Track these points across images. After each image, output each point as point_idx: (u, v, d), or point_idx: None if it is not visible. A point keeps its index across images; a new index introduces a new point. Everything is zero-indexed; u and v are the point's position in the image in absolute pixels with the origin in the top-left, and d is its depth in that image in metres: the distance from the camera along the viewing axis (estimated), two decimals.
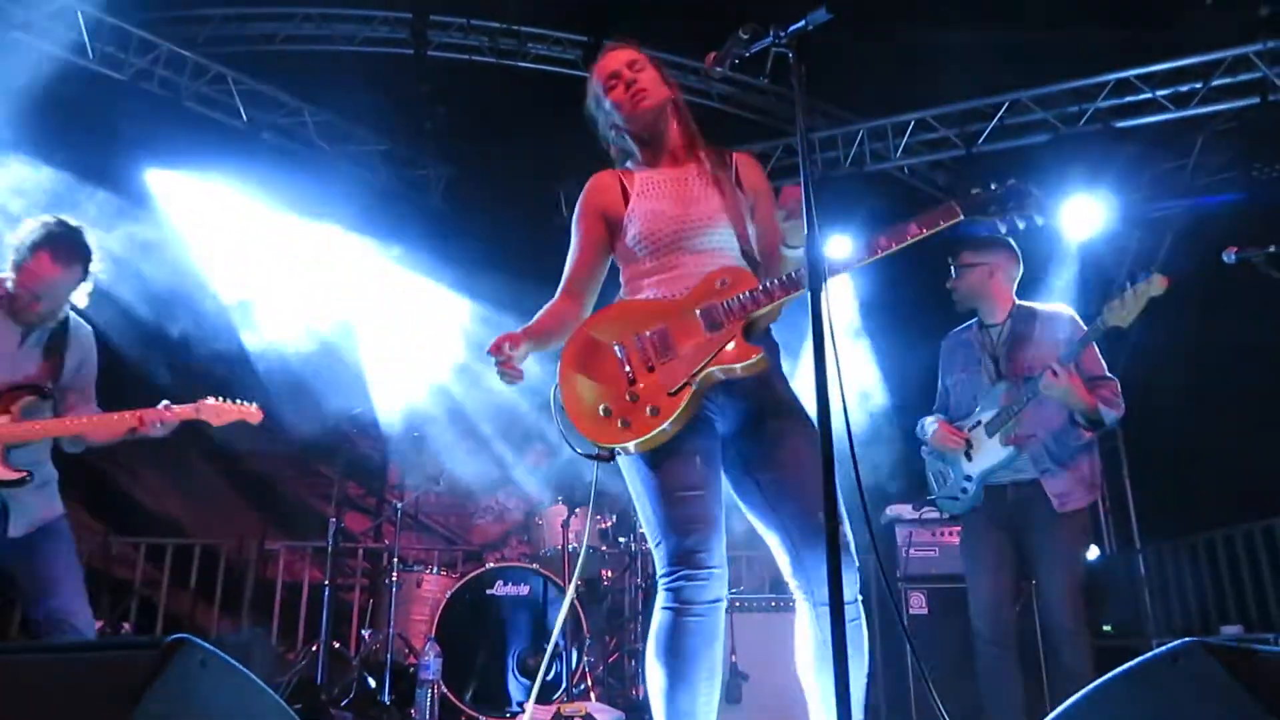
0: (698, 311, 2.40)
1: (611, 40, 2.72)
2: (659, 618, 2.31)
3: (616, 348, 2.40)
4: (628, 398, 2.33)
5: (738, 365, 2.32)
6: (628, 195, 2.62)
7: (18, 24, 6.35)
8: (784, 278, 2.40)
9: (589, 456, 2.37)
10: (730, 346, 2.33)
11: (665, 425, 2.28)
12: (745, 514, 2.48)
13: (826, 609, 2.08)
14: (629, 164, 2.74)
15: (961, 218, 2.47)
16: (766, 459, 2.39)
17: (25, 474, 3.29)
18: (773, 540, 2.40)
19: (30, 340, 3.41)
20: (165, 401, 3.54)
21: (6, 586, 3.30)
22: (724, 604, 2.32)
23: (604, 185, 2.68)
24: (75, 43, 6.64)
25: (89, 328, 3.62)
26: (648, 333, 2.40)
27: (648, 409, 2.30)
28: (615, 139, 2.73)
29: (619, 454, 2.36)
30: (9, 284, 3.36)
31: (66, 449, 3.55)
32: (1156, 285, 3.35)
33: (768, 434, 2.41)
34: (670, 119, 2.67)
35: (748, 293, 2.38)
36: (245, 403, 3.76)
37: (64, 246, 3.37)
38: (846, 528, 2.29)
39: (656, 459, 2.33)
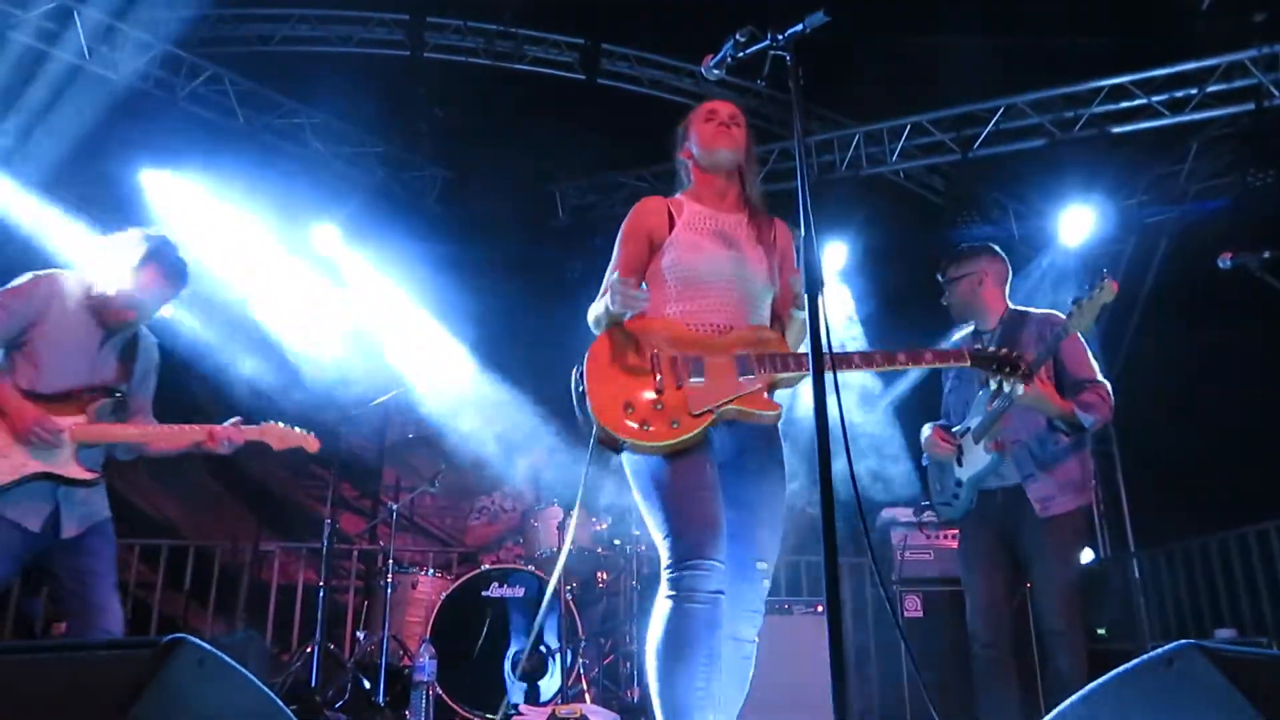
0: (735, 354, 2.58)
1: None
2: (661, 607, 2.40)
3: (654, 355, 2.56)
4: (655, 405, 2.49)
5: (760, 413, 2.54)
6: (673, 222, 2.78)
7: (13, 24, 6.34)
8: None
9: (600, 441, 2.52)
10: (757, 394, 2.54)
11: (682, 439, 2.46)
12: None
13: (736, 643, 2.48)
14: (679, 194, 2.90)
15: (968, 364, 2.74)
16: (738, 498, 2.56)
17: (98, 474, 3.32)
18: None
19: (109, 344, 3.43)
20: (237, 419, 3.53)
21: (49, 582, 3.30)
22: (724, 598, 2.41)
23: (653, 209, 2.83)
24: (71, 44, 6.63)
25: (155, 339, 3.66)
26: (687, 356, 2.56)
27: (670, 420, 2.47)
28: (681, 164, 2.94)
29: (625, 449, 2.52)
30: (106, 288, 3.38)
31: (120, 456, 3.54)
32: (1108, 291, 3.36)
33: (749, 475, 2.61)
34: (736, 174, 2.87)
35: (782, 358, 2.58)
36: (306, 431, 3.75)
37: (173, 265, 3.47)
38: (769, 571, 2.56)
39: (669, 458, 2.48)
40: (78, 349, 3.34)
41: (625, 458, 2.59)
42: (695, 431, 2.46)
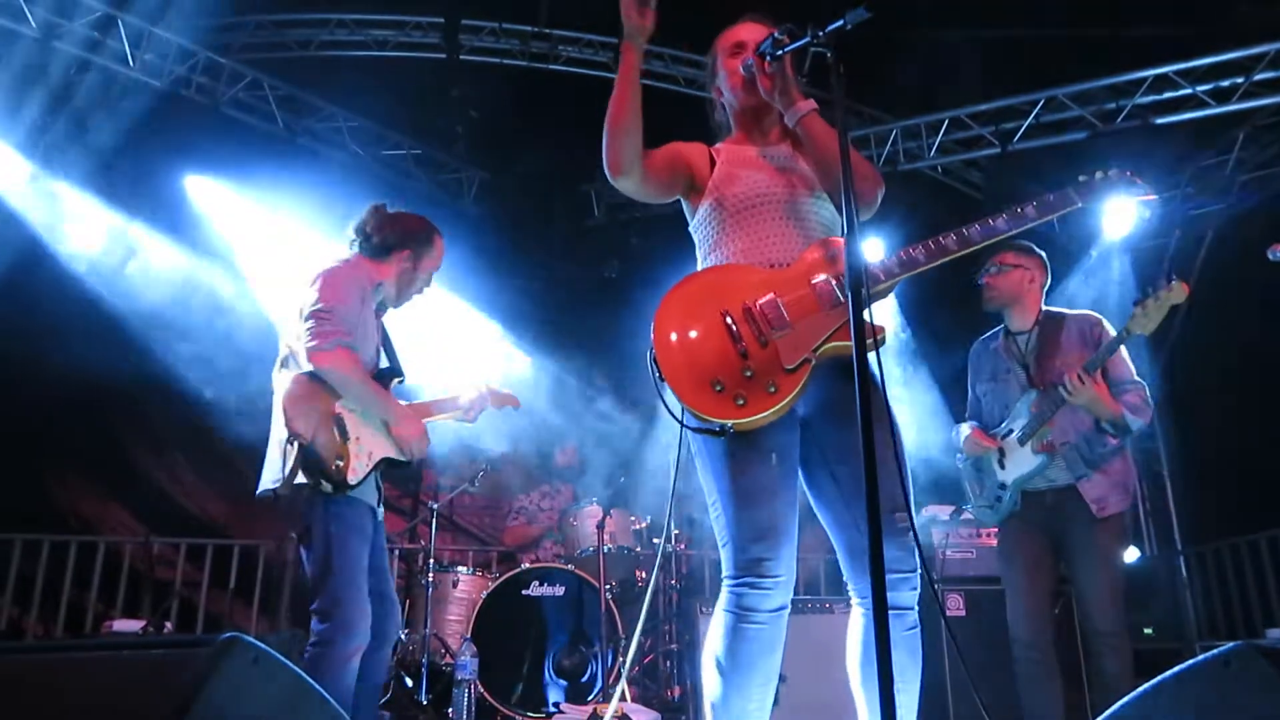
0: (812, 283, 2.28)
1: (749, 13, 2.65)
2: (720, 619, 2.26)
3: (726, 317, 2.24)
4: (744, 373, 2.17)
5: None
6: (714, 164, 2.55)
7: (59, 34, 6.47)
8: (900, 255, 2.34)
9: (702, 431, 2.23)
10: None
11: (786, 401, 2.16)
12: (812, 506, 2.39)
13: (895, 615, 2.14)
14: (718, 143, 2.65)
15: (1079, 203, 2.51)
16: (847, 450, 2.25)
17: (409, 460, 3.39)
18: (840, 539, 2.32)
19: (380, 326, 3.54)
20: (485, 385, 3.72)
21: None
22: (787, 611, 2.26)
23: (691, 146, 2.60)
24: (116, 51, 6.75)
25: None
26: (759, 302, 2.26)
27: (768, 385, 2.16)
28: (713, 105, 2.71)
29: (727, 431, 2.19)
30: (407, 266, 3.48)
31: None
32: (1178, 293, 3.32)
33: (851, 423, 2.17)
34: (766, 110, 2.57)
35: (866, 269, 2.25)
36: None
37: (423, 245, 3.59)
38: (909, 521, 2.22)
39: (734, 455, 2.23)
40: (373, 331, 3.45)
41: (691, 439, 2.31)
42: (798, 388, 2.16)
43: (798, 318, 2.24)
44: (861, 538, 2.14)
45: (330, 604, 2.98)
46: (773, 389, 2.15)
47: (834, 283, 2.26)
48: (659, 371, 2.22)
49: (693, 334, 2.23)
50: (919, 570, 2.22)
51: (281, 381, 3.24)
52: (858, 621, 2.28)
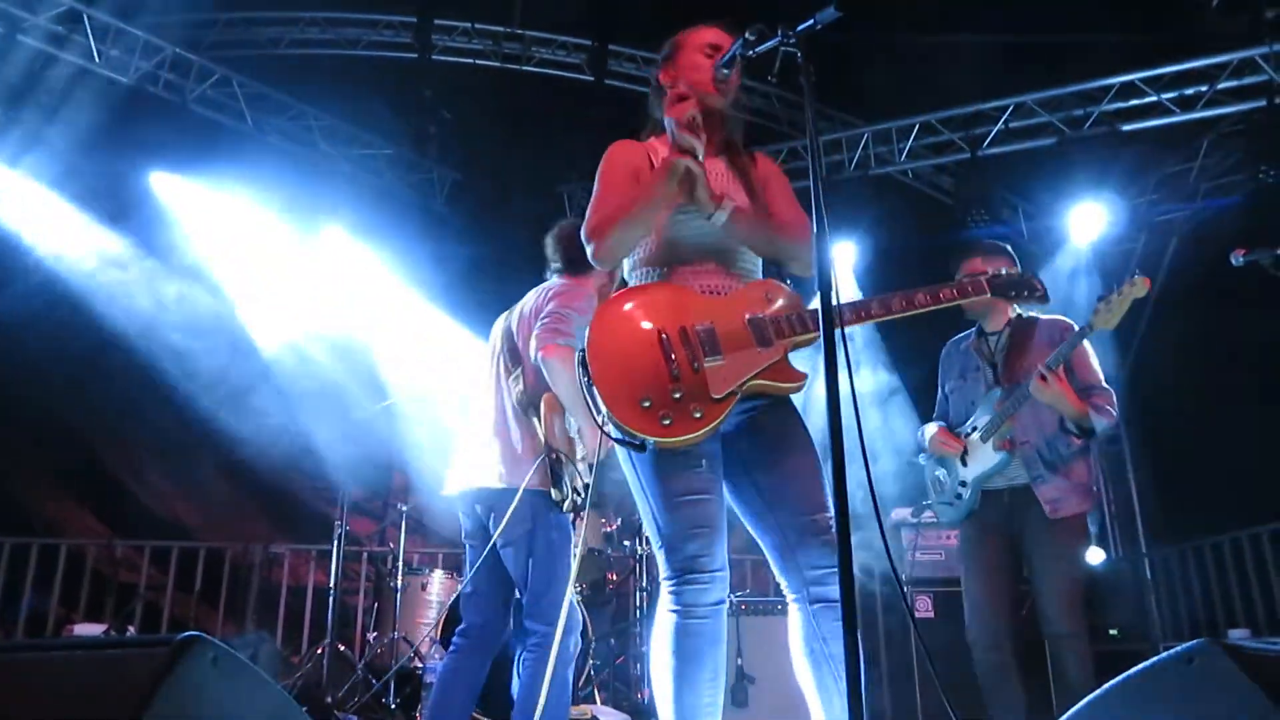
0: (746, 319, 2.33)
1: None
2: (663, 621, 2.31)
3: (663, 336, 2.27)
4: (674, 395, 2.21)
5: (784, 385, 2.31)
6: (654, 168, 2.51)
7: (23, 28, 6.37)
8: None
9: (621, 443, 2.27)
10: (779, 366, 2.30)
11: (709, 428, 2.21)
12: (739, 516, 2.45)
13: (821, 605, 2.24)
14: (650, 138, 2.64)
15: (988, 294, 2.50)
16: (768, 462, 2.37)
17: None
18: (767, 542, 2.38)
19: None
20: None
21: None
22: (726, 605, 2.33)
23: (632, 150, 2.58)
24: (81, 46, 6.66)
25: None
26: (698, 328, 2.29)
27: (694, 411, 2.20)
28: (655, 90, 2.67)
29: (646, 446, 2.24)
30: (605, 280, 3.55)
31: None
32: (1140, 287, 3.35)
33: (770, 436, 2.38)
34: (720, 118, 2.60)
35: (797, 317, 2.33)
36: None
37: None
38: (831, 520, 2.28)
39: (663, 462, 2.28)
40: None
41: (619, 453, 2.36)
42: (721, 418, 2.21)
43: (730, 350, 2.29)
44: (785, 540, 2.31)
45: (553, 607, 3.23)
46: (698, 414, 2.21)
47: (768, 323, 2.32)
48: (588, 375, 2.25)
49: (628, 348, 2.27)
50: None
51: (516, 386, 3.42)
52: (795, 618, 2.31)
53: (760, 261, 2.55)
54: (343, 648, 5.66)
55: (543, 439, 3.32)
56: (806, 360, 2.40)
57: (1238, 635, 5.86)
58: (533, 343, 3.30)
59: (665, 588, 2.31)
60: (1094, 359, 3.74)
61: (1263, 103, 6.50)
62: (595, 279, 3.56)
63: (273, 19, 7.63)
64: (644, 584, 5.75)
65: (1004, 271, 2.62)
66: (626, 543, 5.89)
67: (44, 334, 6.21)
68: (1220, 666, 1.44)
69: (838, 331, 1.91)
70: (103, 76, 6.80)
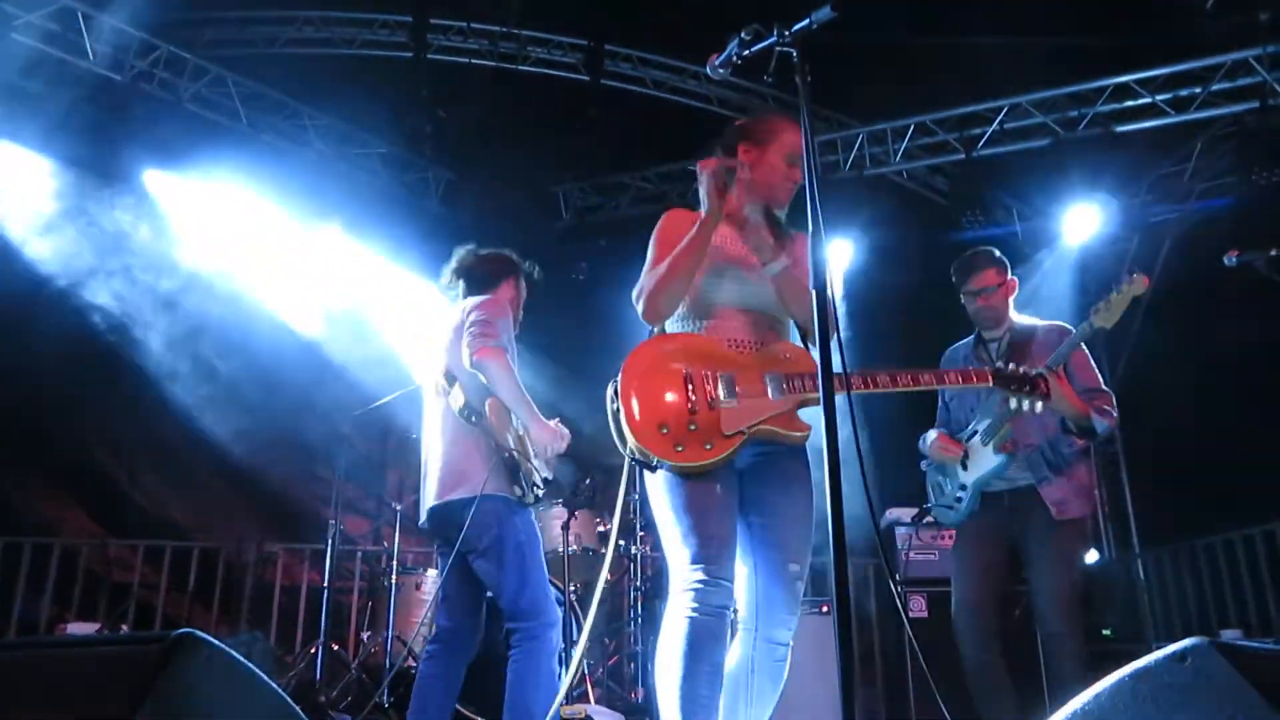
0: (765, 375, 2.59)
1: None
2: (673, 622, 2.44)
3: (686, 373, 2.54)
4: (689, 426, 2.49)
5: (791, 434, 2.56)
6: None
7: (17, 25, 6.34)
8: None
9: (635, 461, 2.54)
10: (787, 416, 2.56)
11: (715, 460, 2.48)
12: None
13: (769, 645, 2.52)
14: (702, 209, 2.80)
15: (990, 383, 2.85)
16: (763, 505, 2.61)
17: None
18: (740, 572, 2.58)
19: None
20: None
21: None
22: (731, 611, 2.48)
23: (687, 220, 2.75)
24: (75, 45, 6.63)
25: None
26: (720, 373, 2.56)
27: (705, 442, 2.48)
28: (728, 163, 2.78)
29: (658, 468, 2.53)
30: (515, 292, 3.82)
31: None
32: (1139, 285, 3.36)
33: (775, 482, 2.63)
34: (776, 219, 2.85)
35: (810, 376, 2.56)
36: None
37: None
38: (802, 574, 2.58)
39: (688, 478, 2.51)
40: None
41: (648, 474, 2.61)
42: (728, 452, 2.48)
43: (745, 396, 2.55)
44: (756, 578, 2.58)
45: (532, 603, 3.33)
46: (709, 446, 2.48)
47: (783, 379, 2.58)
48: (618, 401, 2.52)
49: (656, 381, 2.54)
50: (797, 616, 2.56)
51: (456, 400, 3.47)
52: (737, 644, 2.54)
53: (790, 323, 2.79)
54: (337, 647, 5.65)
55: (495, 442, 3.41)
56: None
57: (1230, 636, 5.87)
58: (464, 351, 3.40)
59: (678, 590, 2.47)
60: (1092, 362, 3.76)
61: (1256, 105, 6.52)
62: (504, 291, 3.75)
63: (268, 18, 7.61)
64: (638, 584, 5.75)
65: (1011, 366, 2.87)
66: (621, 544, 5.89)
67: (36, 333, 6.19)
68: (1215, 665, 1.44)
69: (841, 395, 2.11)
70: (97, 74, 6.78)
